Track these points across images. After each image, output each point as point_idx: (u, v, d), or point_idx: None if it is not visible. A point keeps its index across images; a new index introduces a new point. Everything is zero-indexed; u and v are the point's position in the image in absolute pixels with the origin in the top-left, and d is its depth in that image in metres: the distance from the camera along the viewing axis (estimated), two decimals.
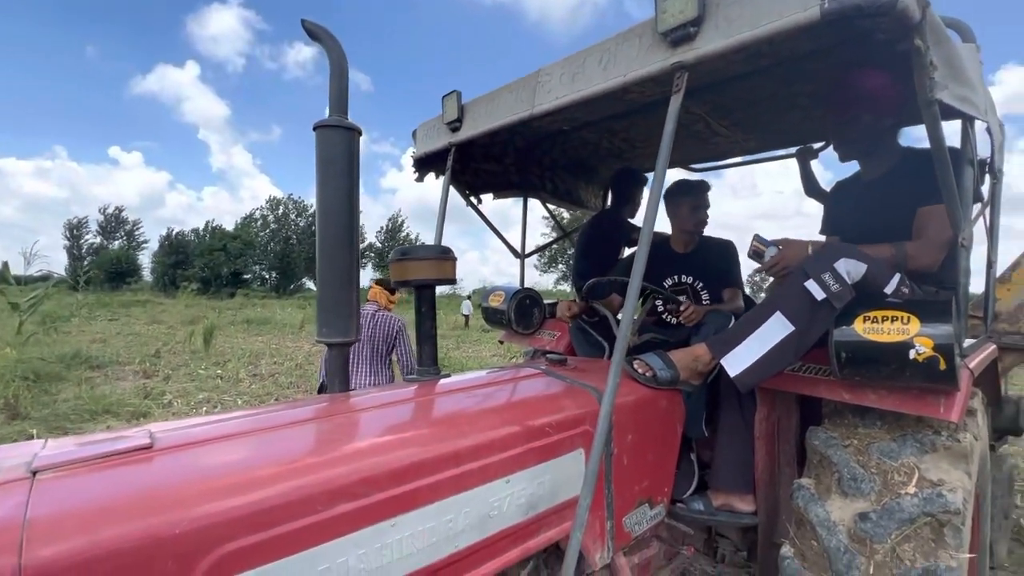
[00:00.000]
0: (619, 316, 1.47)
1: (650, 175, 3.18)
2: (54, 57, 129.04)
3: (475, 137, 2.00)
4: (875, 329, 1.39)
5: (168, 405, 6.49)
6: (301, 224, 58.24)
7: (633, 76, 1.42)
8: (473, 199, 2.73)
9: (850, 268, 1.46)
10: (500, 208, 3.48)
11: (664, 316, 2.53)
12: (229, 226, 59.19)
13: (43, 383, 6.83)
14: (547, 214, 3.49)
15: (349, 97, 1.49)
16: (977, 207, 1.82)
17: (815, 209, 2.44)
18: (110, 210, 61.21)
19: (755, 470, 1.86)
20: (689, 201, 2.44)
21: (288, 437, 1.08)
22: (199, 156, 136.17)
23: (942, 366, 1.29)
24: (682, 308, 2.18)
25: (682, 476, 1.92)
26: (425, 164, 2.35)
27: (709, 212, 2.51)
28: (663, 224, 2.67)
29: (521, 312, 2.63)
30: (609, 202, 3.38)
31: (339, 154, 1.46)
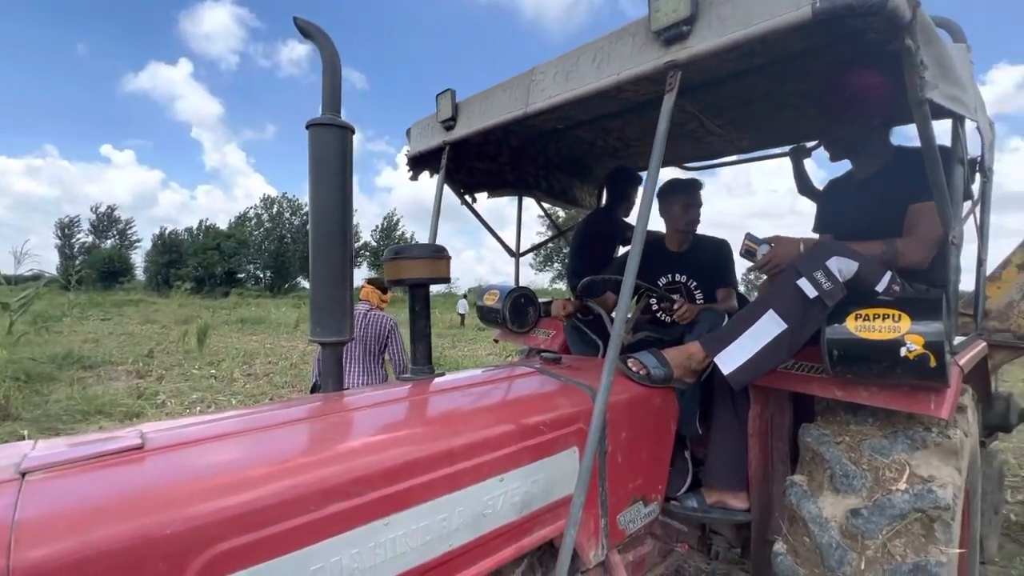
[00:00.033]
0: (613, 314, 1.47)
1: (644, 174, 3.18)
2: (45, 54, 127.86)
3: (469, 136, 2.00)
4: (867, 327, 1.40)
5: (162, 405, 6.45)
6: (296, 223, 58.04)
7: (626, 75, 1.42)
8: (468, 198, 2.73)
9: (842, 266, 1.48)
10: (496, 207, 3.50)
11: (658, 314, 2.54)
12: (223, 225, 58.99)
13: (34, 383, 6.77)
14: (542, 213, 3.49)
15: (344, 95, 1.49)
16: (967, 205, 1.83)
17: (809, 207, 2.46)
18: (102, 209, 60.87)
19: (748, 467, 1.87)
20: (681, 200, 2.45)
21: (281, 437, 1.08)
22: (192, 154, 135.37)
23: (932, 363, 1.30)
24: (676, 306, 2.19)
25: (676, 474, 1.93)
26: (419, 163, 2.35)
27: (702, 211, 2.51)
28: (658, 223, 2.68)
29: (516, 311, 2.63)
30: (604, 201, 3.38)
31: (332, 153, 1.45)
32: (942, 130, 1.57)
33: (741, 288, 2.74)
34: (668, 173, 3.32)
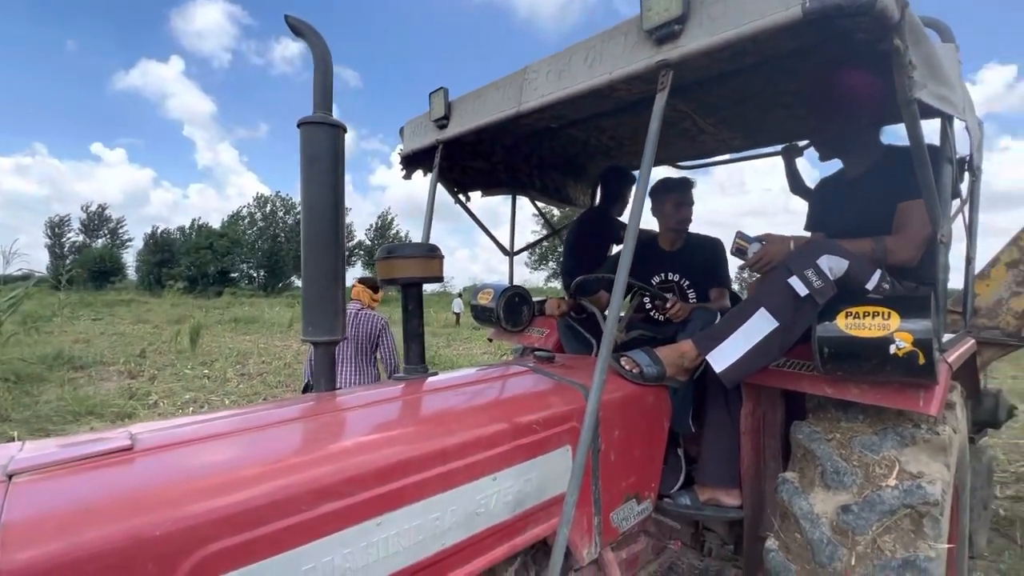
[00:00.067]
0: (607, 313, 1.47)
1: (638, 172, 3.19)
2: (34, 52, 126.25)
3: (462, 134, 1.99)
4: (857, 325, 1.41)
5: (154, 406, 6.40)
6: (289, 222, 57.76)
7: (619, 74, 1.42)
8: (461, 197, 2.73)
9: (832, 264, 1.49)
10: (490, 206, 3.49)
11: (652, 313, 2.55)
12: (216, 224, 58.62)
13: (24, 384, 6.69)
14: (537, 212, 3.49)
15: (338, 93, 1.49)
16: (956, 204, 1.85)
17: (803, 206, 2.47)
18: (93, 208, 60.41)
19: (741, 465, 1.88)
20: (673, 198, 2.46)
21: (272, 437, 1.08)
22: (184, 153, 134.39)
23: (921, 361, 1.31)
24: (668, 305, 2.20)
25: (670, 471, 1.94)
26: (412, 162, 2.34)
27: (695, 209, 2.52)
28: (652, 223, 2.69)
29: (510, 310, 2.63)
30: (598, 200, 3.39)
31: (324, 151, 1.45)
32: (931, 129, 1.59)
33: (735, 287, 2.75)
34: (662, 172, 3.34)
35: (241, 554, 0.82)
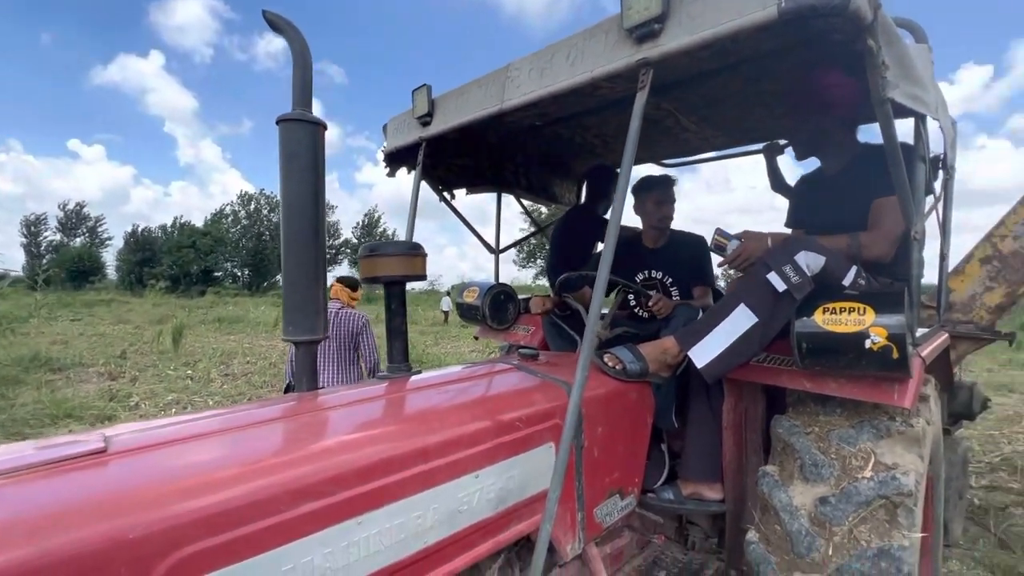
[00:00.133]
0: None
1: None
2: (7, 45, 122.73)
3: (446, 132, 1.99)
4: (834, 320, 1.43)
5: (135, 408, 6.29)
6: (274, 220, 56.84)
7: (599, 72, 1.43)
8: (446, 194, 2.72)
9: (810, 261, 1.51)
10: (477, 203, 3.47)
11: (636, 310, 2.57)
12: (198, 222, 57.55)
13: None
14: (523, 210, 3.49)
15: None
16: (930, 201, 1.89)
17: (786, 204, 2.50)
18: (70, 206, 58.84)
19: (723, 459, 1.91)
20: (654, 196, 2.48)
21: (251, 437, 1.07)
22: (165, 150, 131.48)
23: (895, 355, 1.34)
24: (651, 302, 2.22)
25: (653, 466, 1.96)
26: (396, 159, 2.33)
27: (679, 207, 2.55)
28: (636, 220, 2.70)
29: (495, 308, 2.64)
30: (583, 198, 3.40)
31: (303, 149, 1.43)
32: (906, 129, 1.63)
33: (720, 283, 2.78)
34: (647, 170, 3.35)
35: (219, 555, 0.81)
